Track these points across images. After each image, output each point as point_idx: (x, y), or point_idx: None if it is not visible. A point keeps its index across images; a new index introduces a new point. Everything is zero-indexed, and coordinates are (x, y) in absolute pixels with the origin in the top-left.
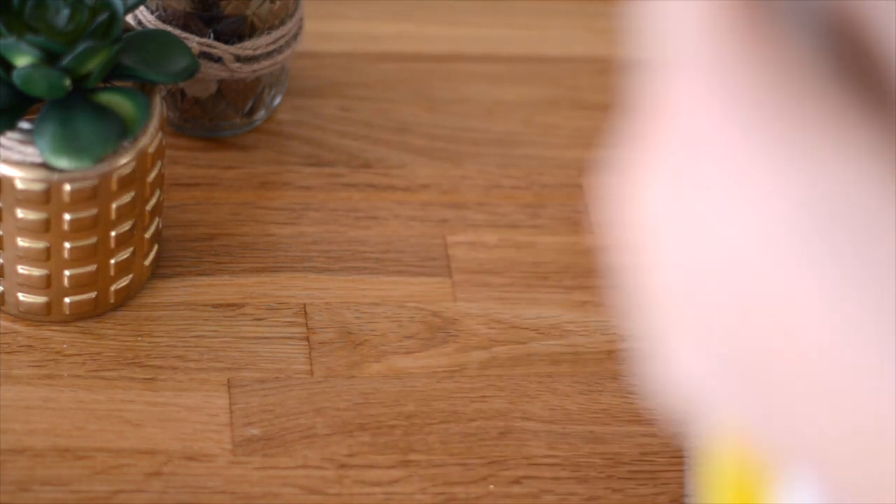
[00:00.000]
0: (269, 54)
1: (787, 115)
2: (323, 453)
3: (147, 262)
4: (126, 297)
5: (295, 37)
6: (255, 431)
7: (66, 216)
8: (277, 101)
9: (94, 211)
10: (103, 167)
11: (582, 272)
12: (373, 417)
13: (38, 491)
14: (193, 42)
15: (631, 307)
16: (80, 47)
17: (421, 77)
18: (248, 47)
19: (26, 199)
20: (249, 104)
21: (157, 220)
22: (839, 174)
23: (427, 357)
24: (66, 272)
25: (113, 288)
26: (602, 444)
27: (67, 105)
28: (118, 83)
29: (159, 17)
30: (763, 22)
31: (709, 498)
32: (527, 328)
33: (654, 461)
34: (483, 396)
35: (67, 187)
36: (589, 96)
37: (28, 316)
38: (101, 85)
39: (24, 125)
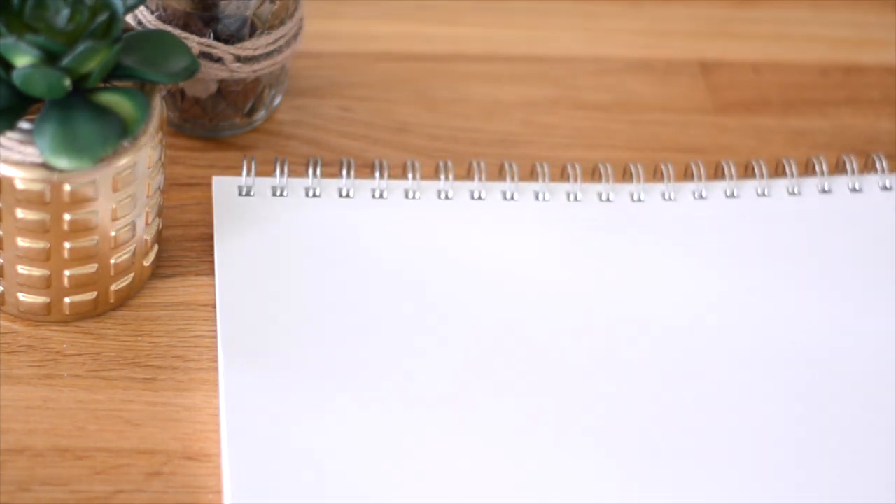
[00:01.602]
0: (269, 54)
1: None
2: None
3: (147, 263)
4: (126, 297)
5: (295, 37)
6: None
7: (66, 216)
8: (277, 101)
9: (93, 211)
10: (103, 167)
11: None
12: None
13: (38, 491)
14: (193, 42)
15: None
16: (80, 47)
17: (421, 77)
18: (248, 47)
19: (26, 199)
20: (249, 104)
21: (157, 220)
22: None
23: None
24: (66, 272)
25: (113, 288)
26: None
27: (67, 105)
28: (118, 83)
29: (159, 17)
30: None
31: None
32: None
33: None
34: None
35: (67, 187)
36: (588, 96)
37: (28, 316)
38: (101, 85)
39: (24, 125)
